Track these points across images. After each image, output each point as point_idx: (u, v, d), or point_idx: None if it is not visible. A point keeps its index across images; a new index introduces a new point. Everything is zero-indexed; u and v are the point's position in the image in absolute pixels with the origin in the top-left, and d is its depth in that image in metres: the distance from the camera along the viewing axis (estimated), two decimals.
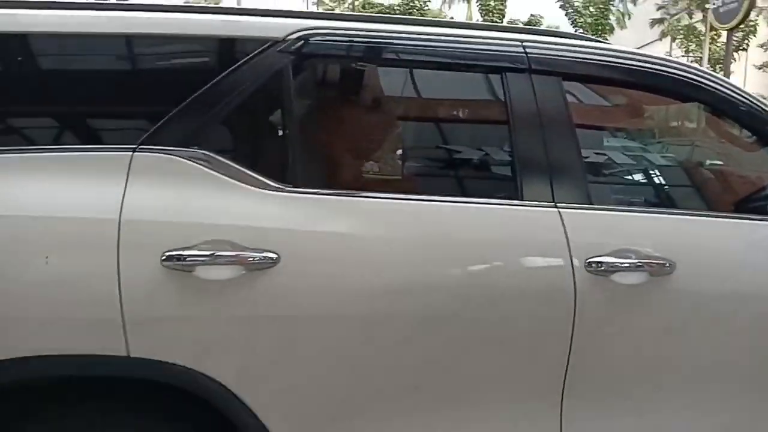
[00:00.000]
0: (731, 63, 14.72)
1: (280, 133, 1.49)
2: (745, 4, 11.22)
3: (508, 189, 1.57)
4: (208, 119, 1.43)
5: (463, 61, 1.61)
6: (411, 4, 22.38)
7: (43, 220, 1.31)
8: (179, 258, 1.31)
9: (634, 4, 27.59)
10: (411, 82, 1.67)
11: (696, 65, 1.77)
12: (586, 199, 1.57)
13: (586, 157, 1.68)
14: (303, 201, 1.45)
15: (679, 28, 26.07)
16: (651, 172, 1.96)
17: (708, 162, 2.07)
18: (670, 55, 26.32)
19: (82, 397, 1.40)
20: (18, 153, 1.37)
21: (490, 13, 22.55)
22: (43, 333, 1.30)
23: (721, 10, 12.01)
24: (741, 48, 23.59)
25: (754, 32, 23.54)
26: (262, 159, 1.51)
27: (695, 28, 25.19)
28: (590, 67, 1.65)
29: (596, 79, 1.72)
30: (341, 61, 1.63)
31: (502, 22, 22.28)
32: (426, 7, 22.74)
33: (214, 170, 1.40)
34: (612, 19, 25.09)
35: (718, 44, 24.29)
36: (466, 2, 26.52)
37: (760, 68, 23.98)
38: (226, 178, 1.41)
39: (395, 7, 22.29)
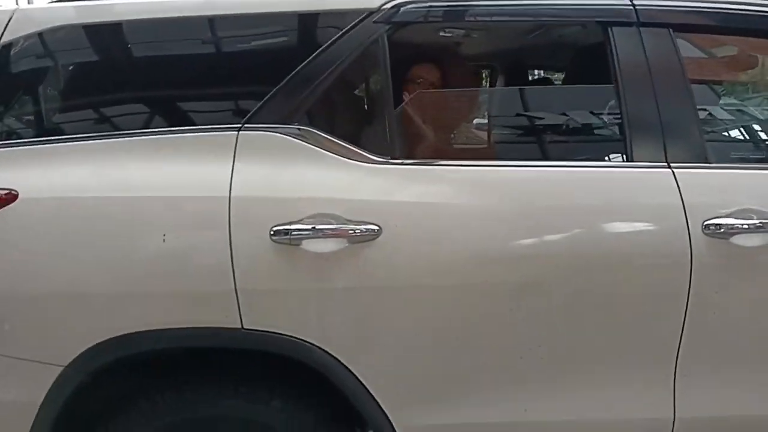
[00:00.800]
0: None
1: (378, 105, 1.49)
2: None
3: (618, 150, 1.49)
4: (307, 96, 1.45)
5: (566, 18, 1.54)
6: None
7: (160, 200, 1.39)
8: (286, 232, 1.35)
9: None
10: (509, 46, 1.62)
11: None
12: (702, 158, 1.47)
13: (702, 113, 1.57)
14: (402, 172, 1.45)
15: None
16: (762, 127, 1.81)
17: None
18: None
19: (198, 372, 1.46)
20: (134, 137, 1.44)
21: None
22: (165, 307, 1.38)
23: None
24: None
25: None
26: (361, 132, 1.52)
27: None
28: (702, 16, 1.54)
29: (709, 29, 1.60)
30: (437, 28, 1.61)
31: None
32: None
33: (316, 145, 1.43)
34: None
35: None
36: None
37: None
38: (327, 152, 1.42)
39: None
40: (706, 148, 1.49)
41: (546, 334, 1.44)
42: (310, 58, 1.45)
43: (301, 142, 1.43)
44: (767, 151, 1.81)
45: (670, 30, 1.50)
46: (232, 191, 1.37)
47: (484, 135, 1.84)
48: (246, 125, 1.43)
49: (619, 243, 1.43)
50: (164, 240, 1.35)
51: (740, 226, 1.41)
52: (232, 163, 1.40)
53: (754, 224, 1.41)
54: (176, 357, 1.46)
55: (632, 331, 1.45)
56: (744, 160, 1.66)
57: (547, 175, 1.49)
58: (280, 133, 1.43)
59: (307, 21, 1.53)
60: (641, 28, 1.49)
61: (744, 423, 1.52)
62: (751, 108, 1.81)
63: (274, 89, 1.44)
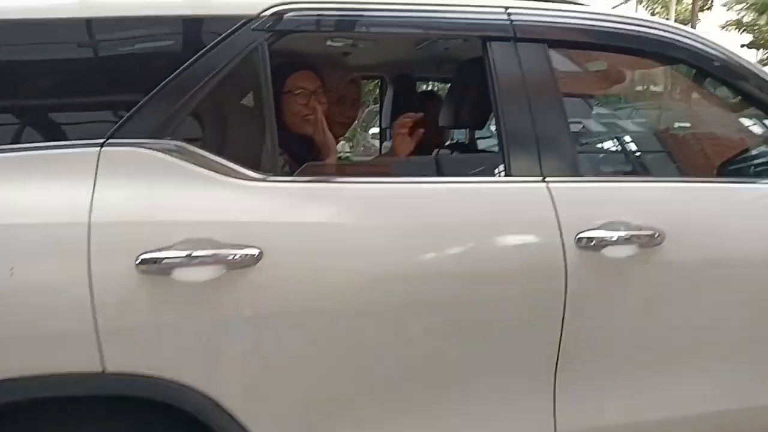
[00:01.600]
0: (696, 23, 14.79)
1: (258, 118, 1.41)
2: None
3: (496, 165, 1.52)
4: (181, 107, 1.34)
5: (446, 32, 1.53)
6: None
7: (5, 227, 1.22)
8: (155, 261, 1.24)
9: None
10: (395, 57, 1.60)
11: (681, 25, 1.72)
12: (575, 171, 1.54)
13: (576, 126, 1.64)
14: (286, 190, 1.39)
15: None
16: (632, 139, 1.94)
17: (677, 125, 2.05)
18: None
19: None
20: None
21: None
22: (11, 353, 1.20)
23: None
24: (706, 8, 23.74)
25: None
26: (240, 147, 1.43)
27: None
28: (576, 32, 1.60)
29: (583, 45, 1.67)
30: (320, 37, 1.55)
31: None
32: None
33: (190, 162, 1.33)
34: None
35: (684, 4, 24.44)
36: None
37: (723, 27, 24.17)
38: (203, 170, 1.33)
39: None
40: (579, 161, 1.55)
41: (430, 355, 1.43)
42: (184, 66, 1.34)
43: (173, 158, 1.32)
44: (635, 164, 1.92)
45: (546, 45, 1.55)
46: (92, 216, 1.23)
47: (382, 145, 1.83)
48: (110, 140, 1.30)
49: (498, 257, 1.45)
50: (11, 273, 1.20)
51: (609, 238, 1.48)
52: (92, 184, 1.27)
53: (623, 236, 1.49)
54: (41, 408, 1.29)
55: (513, 347, 1.47)
56: (614, 173, 1.76)
57: (428, 192, 1.48)
58: (148, 148, 1.31)
59: (181, 27, 1.42)
60: (517, 43, 1.53)
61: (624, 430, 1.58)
62: (622, 121, 1.93)
63: (143, 100, 1.33)
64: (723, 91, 1.77)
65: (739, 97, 1.77)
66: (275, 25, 1.41)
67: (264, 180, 1.36)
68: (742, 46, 23.99)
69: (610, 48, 1.68)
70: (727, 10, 24.15)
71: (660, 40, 1.63)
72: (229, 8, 1.41)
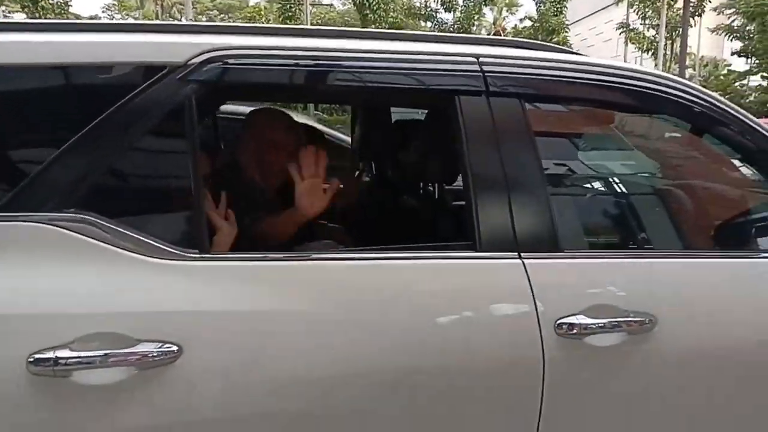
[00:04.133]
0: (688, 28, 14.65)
1: (184, 185, 1.19)
2: None
3: (466, 237, 1.31)
4: (89, 172, 1.13)
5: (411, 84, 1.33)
6: None
7: None
8: (50, 361, 1.03)
9: None
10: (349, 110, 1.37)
11: (669, 75, 1.53)
12: (554, 246, 1.34)
13: (559, 191, 1.45)
14: (214, 271, 1.17)
15: None
16: (620, 200, 1.73)
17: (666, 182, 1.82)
18: (627, 22, 26.42)
19: None
20: None
21: None
22: None
23: None
24: (697, 13, 23.66)
25: None
26: (160, 219, 1.21)
27: None
28: (552, 85, 1.40)
29: (562, 99, 1.48)
30: (259, 88, 1.33)
31: None
32: None
33: (97, 239, 1.12)
34: None
35: (674, 10, 24.38)
36: None
37: (713, 31, 24.10)
38: (113, 248, 1.12)
39: None
40: (559, 234, 1.36)
41: None
42: (94, 124, 1.13)
43: (77, 234, 1.11)
44: (624, 232, 1.70)
45: (520, 100, 1.35)
46: None
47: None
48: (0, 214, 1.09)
49: (464, 348, 1.25)
50: None
51: (594, 325, 1.29)
52: None
53: (608, 322, 1.30)
54: None
55: None
56: (598, 246, 1.56)
57: (386, 266, 1.27)
58: (46, 223, 1.10)
59: (93, 76, 1.18)
60: (490, 98, 1.33)
61: None
62: (607, 176, 1.71)
63: (44, 164, 1.11)
64: (724, 147, 1.57)
65: (739, 155, 1.58)
66: (205, 74, 1.20)
67: (190, 258, 1.16)
68: (733, 53, 23.97)
69: (591, 102, 1.49)
70: (718, 14, 24.11)
71: (646, 92, 1.44)
72: (151, 55, 1.19)
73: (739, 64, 26.26)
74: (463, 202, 1.35)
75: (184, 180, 1.19)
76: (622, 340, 1.31)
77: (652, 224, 1.60)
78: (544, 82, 1.39)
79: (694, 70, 29.57)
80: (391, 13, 20.92)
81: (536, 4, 23.59)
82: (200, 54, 1.20)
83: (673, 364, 1.35)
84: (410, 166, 1.73)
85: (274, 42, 1.28)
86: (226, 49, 1.22)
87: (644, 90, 1.45)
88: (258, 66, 1.25)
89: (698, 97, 1.47)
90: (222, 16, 37.12)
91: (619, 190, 1.70)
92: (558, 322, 1.27)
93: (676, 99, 1.46)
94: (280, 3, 21.10)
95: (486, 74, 1.33)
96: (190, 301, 1.14)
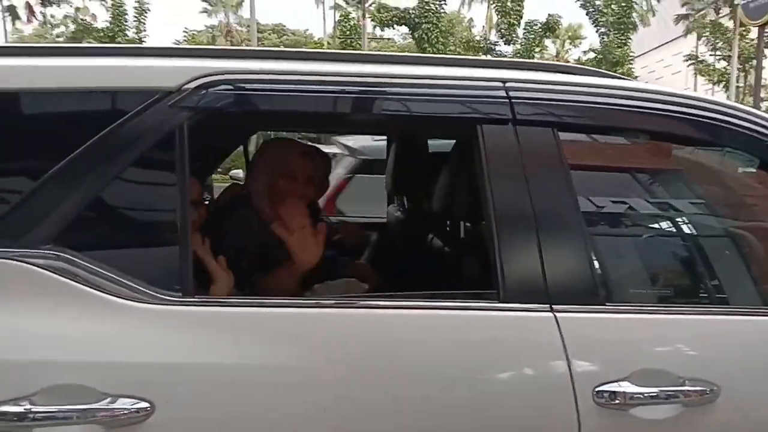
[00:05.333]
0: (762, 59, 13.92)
1: (171, 220, 1.08)
2: None
3: (489, 285, 1.14)
4: (68, 206, 1.04)
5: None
6: (426, 7, 21.62)
7: None
8: (7, 416, 0.93)
9: (658, 0, 26.73)
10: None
11: (737, 104, 1.32)
12: (594, 298, 1.14)
13: (593, 231, 1.26)
14: (195, 317, 1.05)
15: (705, 24, 25.12)
16: (674, 245, 1.50)
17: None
18: (696, 53, 25.49)
19: None
20: None
21: (507, 15, 21.79)
22: None
23: (752, 5, 11.42)
24: None
25: None
26: (142, 256, 1.10)
27: (722, 25, 24.21)
28: (590, 113, 1.23)
29: (602, 129, 1.29)
30: (258, 115, 1.22)
31: (519, 24, 21.51)
32: (442, 9, 21.96)
33: (72, 279, 1.02)
34: (635, 16, 24.21)
35: (747, 40, 23.35)
36: (486, 2, 25.76)
37: None
38: (87, 288, 1.02)
39: (411, 11, 21.59)
40: (600, 283, 1.16)
41: None
42: (73, 155, 1.04)
43: (50, 273, 1.01)
44: (679, 285, 1.44)
45: (552, 129, 1.18)
46: None
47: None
48: None
49: (483, 415, 1.07)
50: None
51: (641, 394, 1.08)
52: None
53: (660, 392, 1.09)
54: None
55: None
56: (648, 298, 1.34)
57: (390, 318, 1.11)
58: (17, 260, 1.00)
59: (73, 103, 1.09)
60: (518, 128, 1.16)
61: None
62: (663, 216, 1.48)
63: (20, 198, 1.03)
64: None
65: None
66: (199, 101, 1.09)
67: (170, 302, 1.03)
68: None
69: (640, 133, 1.30)
70: None
71: (707, 122, 1.24)
72: (141, 80, 1.10)
73: None
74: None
75: (170, 214, 1.08)
76: (676, 412, 1.10)
77: (716, 274, 1.37)
78: (582, 110, 1.22)
79: None
80: (450, 47, 20.96)
81: (599, 36, 23.15)
82: (195, 79, 1.10)
83: None
84: (436, 202, 1.58)
85: (274, 66, 1.17)
86: (222, 74, 1.12)
87: (705, 120, 1.25)
88: (256, 91, 1.14)
89: None
90: None
91: (679, 233, 1.47)
92: (597, 389, 1.08)
93: (743, 131, 1.25)
94: (341, 38, 21.56)
95: (513, 101, 1.17)
96: (165, 350, 1.01)
